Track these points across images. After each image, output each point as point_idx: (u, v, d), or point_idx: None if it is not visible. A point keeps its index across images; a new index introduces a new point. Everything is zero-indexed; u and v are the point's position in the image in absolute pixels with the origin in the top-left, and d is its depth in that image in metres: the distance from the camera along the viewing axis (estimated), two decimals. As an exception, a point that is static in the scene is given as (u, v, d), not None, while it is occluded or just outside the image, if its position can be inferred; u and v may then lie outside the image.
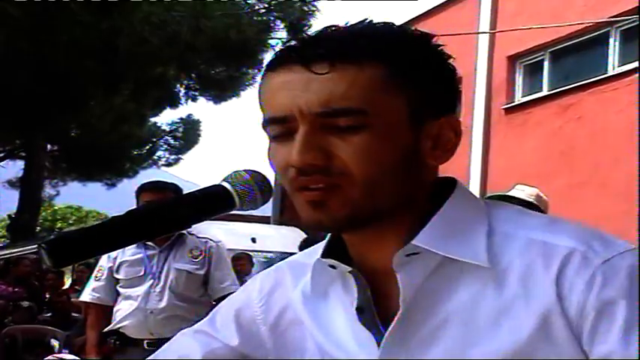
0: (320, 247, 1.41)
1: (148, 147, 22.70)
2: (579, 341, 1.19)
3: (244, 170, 1.27)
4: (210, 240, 5.61)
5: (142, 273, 5.34)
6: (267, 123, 1.26)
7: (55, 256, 1.15)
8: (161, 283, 5.33)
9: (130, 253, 5.35)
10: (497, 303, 1.23)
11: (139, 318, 5.25)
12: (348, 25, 1.27)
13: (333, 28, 1.26)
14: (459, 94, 1.33)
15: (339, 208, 1.21)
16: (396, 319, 1.26)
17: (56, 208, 36.31)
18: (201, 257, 5.49)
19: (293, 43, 1.27)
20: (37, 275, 11.40)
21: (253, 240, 13.20)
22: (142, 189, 5.44)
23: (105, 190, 21.96)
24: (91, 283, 5.63)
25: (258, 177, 1.29)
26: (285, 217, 21.44)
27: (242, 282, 9.63)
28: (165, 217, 1.22)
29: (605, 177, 12.34)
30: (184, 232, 5.34)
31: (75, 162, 21.20)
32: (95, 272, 5.67)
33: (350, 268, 1.31)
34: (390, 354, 1.28)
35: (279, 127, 1.24)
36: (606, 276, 1.18)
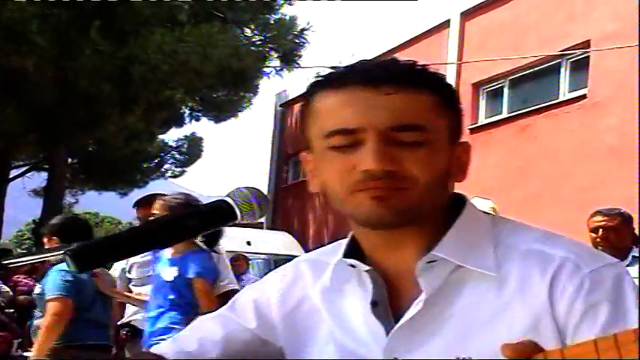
0: (337, 247, 1.43)
1: (156, 161, 22.64)
2: (562, 341, 1.20)
3: (245, 187, 1.28)
4: None
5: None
6: (333, 134, 1.27)
7: (79, 262, 1.15)
8: None
9: (140, 255, 5.32)
10: (496, 303, 1.25)
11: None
12: (393, 59, 1.33)
13: (388, 59, 1.33)
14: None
15: (401, 206, 1.24)
16: (411, 314, 1.28)
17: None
18: None
19: (345, 67, 1.32)
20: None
21: (248, 243, 13.12)
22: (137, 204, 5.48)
23: (118, 198, 21.87)
24: (107, 282, 5.61)
25: (256, 193, 1.30)
26: (276, 223, 21.45)
27: (239, 280, 9.61)
28: (177, 228, 1.23)
29: (556, 189, 12.39)
30: (188, 236, 5.33)
31: (92, 174, 21.14)
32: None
33: (368, 268, 1.33)
34: (396, 343, 1.29)
35: (345, 137, 1.26)
36: (593, 282, 1.21)
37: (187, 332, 1.56)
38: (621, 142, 11.38)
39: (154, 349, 1.51)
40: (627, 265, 4.76)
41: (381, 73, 1.26)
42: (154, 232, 1.20)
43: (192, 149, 22.85)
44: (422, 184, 1.24)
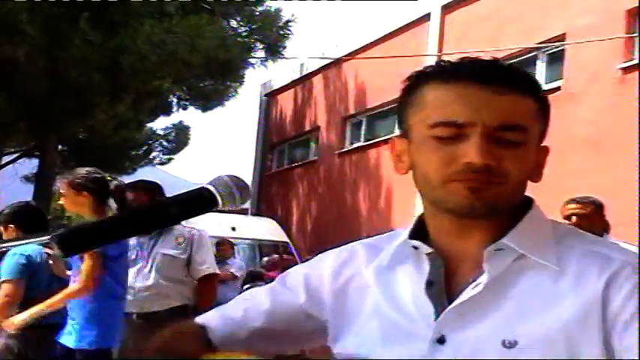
0: (393, 236, 1.47)
1: (144, 148, 22.54)
2: (607, 335, 1.23)
3: (226, 175, 1.29)
4: (194, 228, 5.60)
5: (134, 256, 5.32)
6: (439, 124, 1.29)
7: (65, 247, 1.16)
8: (149, 265, 5.34)
9: None
10: (550, 293, 1.28)
11: (130, 294, 5.18)
12: (496, 59, 1.35)
13: (491, 59, 1.35)
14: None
15: (492, 199, 1.28)
16: (469, 295, 1.31)
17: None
18: (184, 243, 5.48)
19: (454, 62, 1.34)
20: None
21: (233, 229, 13.10)
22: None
23: (107, 185, 21.78)
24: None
25: (237, 181, 1.30)
26: (261, 209, 21.46)
27: (224, 264, 9.59)
28: (160, 215, 1.24)
29: (532, 178, 12.46)
30: (172, 221, 5.32)
31: (82, 161, 20.89)
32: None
33: (431, 250, 1.36)
34: (447, 321, 1.31)
35: (451, 129, 1.28)
36: None
37: (236, 301, 1.59)
38: (595, 133, 11.44)
39: (198, 319, 1.53)
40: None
41: (492, 73, 1.30)
42: (138, 218, 1.21)
43: (179, 137, 22.77)
44: (514, 181, 1.29)
